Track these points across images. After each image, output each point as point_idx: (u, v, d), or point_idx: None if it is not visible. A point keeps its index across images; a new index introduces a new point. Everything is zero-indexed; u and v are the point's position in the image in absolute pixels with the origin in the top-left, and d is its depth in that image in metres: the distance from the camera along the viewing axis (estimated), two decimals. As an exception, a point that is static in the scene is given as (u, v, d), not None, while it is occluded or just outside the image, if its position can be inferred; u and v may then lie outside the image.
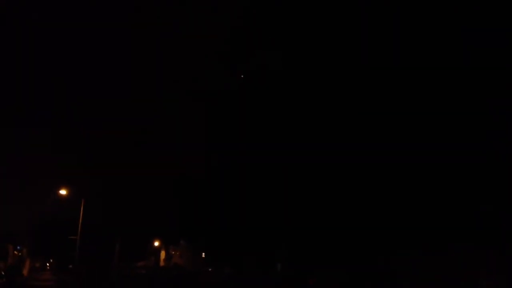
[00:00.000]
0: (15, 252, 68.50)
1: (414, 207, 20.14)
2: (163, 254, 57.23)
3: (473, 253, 18.56)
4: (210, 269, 31.31)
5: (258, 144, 24.36)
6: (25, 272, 67.72)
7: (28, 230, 78.94)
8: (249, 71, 24.29)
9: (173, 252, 56.32)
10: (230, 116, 24.58)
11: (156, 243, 57.39)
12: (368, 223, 21.78)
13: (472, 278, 18.42)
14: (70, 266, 56.13)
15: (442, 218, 19.29)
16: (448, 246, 19.16)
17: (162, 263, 54.46)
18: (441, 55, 19.27)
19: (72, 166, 42.42)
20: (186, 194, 30.52)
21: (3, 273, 47.15)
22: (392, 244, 21.21)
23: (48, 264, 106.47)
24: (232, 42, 24.10)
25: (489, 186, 17.95)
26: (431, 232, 19.58)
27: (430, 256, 19.95)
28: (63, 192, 41.37)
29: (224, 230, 29.86)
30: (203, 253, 44.77)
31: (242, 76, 24.83)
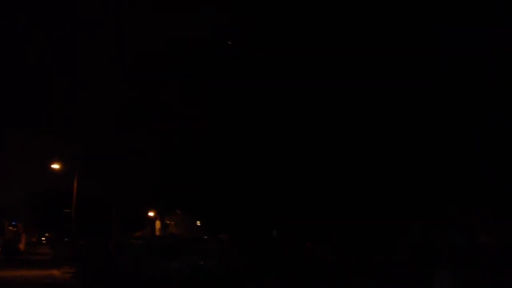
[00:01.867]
0: (11, 227, 68.68)
1: (411, 168, 20.25)
2: (158, 224, 57.61)
3: (471, 213, 18.84)
4: (206, 237, 31.56)
5: (251, 106, 24.24)
6: (21, 246, 68.05)
7: (23, 205, 79.22)
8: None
9: (168, 222, 56.72)
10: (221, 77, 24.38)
11: (151, 214, 57.72)
12: (364, 185, 21.93)
13: (470, 236, 18.74)
14: (66, 239, 56.49)
15: (439, 181, 19.46)
16: (446, 206, 19.41)
17: (158, 233, 54.87)
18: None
19: (65, 138, 42.28)
20: (179, 162, 30.47)
21: (-1, 248, 47.40)
22: (390, 204, 21.43)
23: (44, 238, 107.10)
24: None
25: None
26: (427, 193, 19.78)
27: (427, 215, 20.20)
28: (56, 166, 41.33)
29: (219, 197, 29.98)
30: (198, 221, 45.13)
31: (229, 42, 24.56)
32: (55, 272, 29.48)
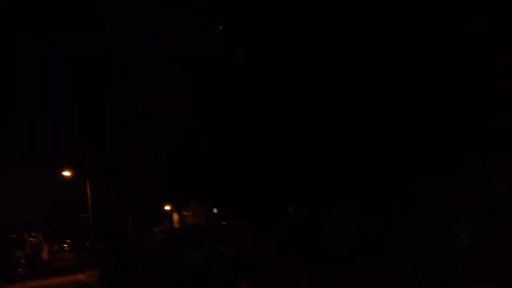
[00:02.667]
0: (31, 239, 69.46)
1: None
2: (175, 216, 57.99)
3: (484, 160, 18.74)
4: (224, 223, 31.81)
5: (263, 92, 24.24)
6: (44, 256, 68.86)
7: (40, 216, 79.96)
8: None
9: (185, 213, 57.04)
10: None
11: (167, 207, 58.06)
12: (379, 154, 21.88)
13: (484, 184, 18.67)
14: (87, 243, 57.09)
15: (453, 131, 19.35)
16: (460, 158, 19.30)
17: (176, 225, 55.27)
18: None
19: (73, 147, 42.51)
20: (188, 152, 30.58)
21: (23, 261, 48.00)
22: (405, 173, 21.37)
23: (65, 245, 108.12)
24: None
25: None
26: (443, 152, 19.70)
27: (443, 177, 20.11)
28: (66, 173, 41.67)
29: (231, 181, 30.09)
30: (215, 209, 45.38)
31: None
32: (81, 276, 29.86)
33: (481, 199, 17.99)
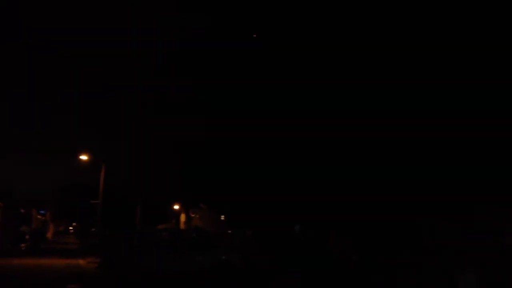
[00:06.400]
0: (39, 216, 69.99)
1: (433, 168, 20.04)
2: (183, 217, 58.05)
3: (496, 212, 18.48)
4: (229, 231, 31.72)
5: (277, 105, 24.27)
6: (49, 235, 69.36)
7: (51, 194, 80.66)
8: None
9: (193, 215, 57.09)
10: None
11: (176, 207, 58.19)
12: (389, 179, 21.75)
13: (496, 237, 18.39)
14: (93, 229, 57.39)
15: (465, 179, 19.20)
16: (468, 206, 19.11)
17: (182, 226, 55.29)
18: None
19: (93, 131, 42.95)
20: (204, 157, 30.69)
21: (28, 237, 48.30)
22: (415, 199, 21.22)
23: (71, 228, 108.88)
24: None
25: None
26: (451, 192, 19.53)
27: (450, 217, 19.92)
28: (84, 157, 41.98)
29: (243, 193, 30.08)
30: (222, 216, 45.39)
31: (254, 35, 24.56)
32: (80, 261, 29.94)
33: (491, 250, 17.71)
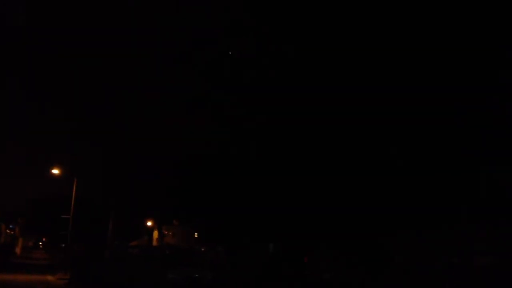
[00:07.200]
0: (8, 230, 68.66)
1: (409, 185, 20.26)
2: (155, 233, 57.45)
3: (468, 230, 18.69)
4: (202, 249, 31.46)
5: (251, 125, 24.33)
6: (18, 250, 67.94)
7: (20, 209, 79.13)
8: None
9: (166, 232, 56.53)
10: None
11: (149, 223, 57.58)
12: (362, 201, 21.92)
13: (468, 255, 18.58)
14: (63, 245, 56.32)
15: (435, 195, 19.43)
16: (442, 223, 19.32)
17: (155, 243, 54.68)
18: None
19: (65, 144, 42.38)
20: (179, 173, 30.53)
21: (-4, 251, 47.21)
22: (385, 223, 21.40)
23: (41, 243, 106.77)
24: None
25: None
26: (424, 210, 19.74)
27: (424, 233, 20.11)
28: (55, 171, 41.27)
29: (217, 210, 29.97)
30: (196, 233, 45.06)
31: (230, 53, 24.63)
32: (49, 277, 29.34)
33: (463, 271, 17.92)
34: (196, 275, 21.34)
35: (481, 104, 18.11)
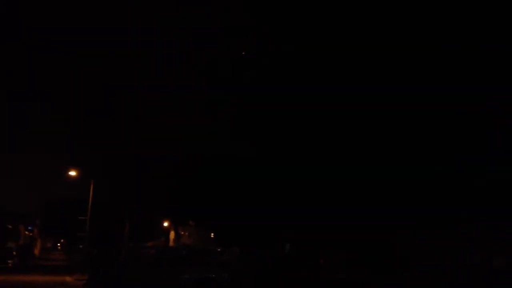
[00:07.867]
0: (27, 232, 69.43)
1: (422, 184, 20.08)
2: (172, 234, 57.72)
3: (485, 231, 18.46)
4: (219, 249, 31.49)
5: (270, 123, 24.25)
6: (36, 252, 68.77)
7: (39, 211, 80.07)
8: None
9: (182, 233, 56.78)
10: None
11: (165, 224, 57.86)
12: (377, 200, 21.76)
13: (485, 257, 18.36)
14: (81, 246, 56.89)
15: (451, 195, 19.22)
16: (458, 223, 19.10)
17: (171, 243, 54.95)
18: None
19: (81, 147, 42.68)
20: (194, 174, 30.60)
21: (15, 253, 47.83)
22: (401, 223, 21.22)
23: (59, 245, 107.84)
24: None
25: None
26: (439, 211, 19.55)
27: (439, 234, 19.92)
28: (72, 173, 41.68)
29: (233, 211, 29.97)
30: (212, 234, 45.13)
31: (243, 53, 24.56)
32: (67, 278, 29.66)
33: (478, 272, 17.72)
34: (213, 276, 21.39)
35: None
